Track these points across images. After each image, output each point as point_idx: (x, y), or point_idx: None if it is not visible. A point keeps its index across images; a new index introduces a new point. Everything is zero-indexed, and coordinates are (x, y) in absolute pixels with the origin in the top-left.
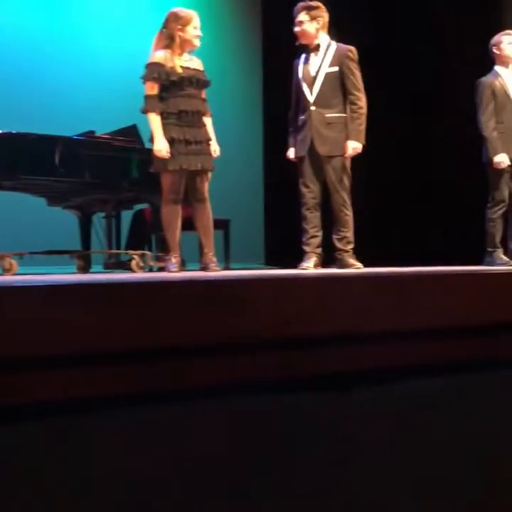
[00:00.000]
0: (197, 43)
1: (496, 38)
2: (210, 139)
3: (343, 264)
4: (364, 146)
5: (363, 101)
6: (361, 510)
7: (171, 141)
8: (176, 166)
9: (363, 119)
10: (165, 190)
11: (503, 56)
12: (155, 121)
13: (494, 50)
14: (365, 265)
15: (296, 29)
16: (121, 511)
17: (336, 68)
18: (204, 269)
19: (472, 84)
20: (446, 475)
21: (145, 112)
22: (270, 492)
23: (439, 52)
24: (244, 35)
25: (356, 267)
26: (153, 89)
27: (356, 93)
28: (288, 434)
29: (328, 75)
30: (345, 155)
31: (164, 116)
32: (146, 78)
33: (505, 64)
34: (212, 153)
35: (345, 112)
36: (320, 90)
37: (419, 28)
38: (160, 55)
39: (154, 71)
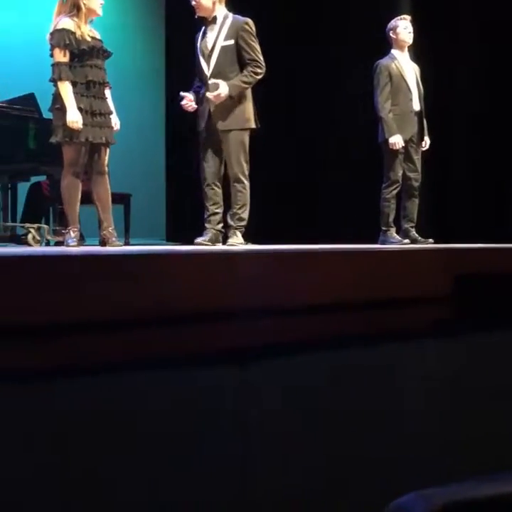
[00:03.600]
0: (101, 11)
1: (392, 23)
2: (111, 112)
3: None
4: (230, 97)
5: (261, 70)
6: (258, 483)
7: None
8: (81, 138)
9: (250, 81)
10: (67, 163)
11: (399, 40)
12: (68, 90)
13: (391, 35)
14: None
15: (193, 2)
16: None
17: (232, 41)
18: (103, 243)
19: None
20: (333, 450)
21: (58, 80)
22: (171, 467)
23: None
24: (147, 7)
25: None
26: (64, 56)
27: (256, 62)
28: (186, 409)
29: (223, 49)
30: (209, 95)
31: (72, 85)
32: (56, 44)
33: (401, 48)
34: (114, 126)
35: None
36: (216, 64)
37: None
38: (68, 22)
39: (65, 37)
